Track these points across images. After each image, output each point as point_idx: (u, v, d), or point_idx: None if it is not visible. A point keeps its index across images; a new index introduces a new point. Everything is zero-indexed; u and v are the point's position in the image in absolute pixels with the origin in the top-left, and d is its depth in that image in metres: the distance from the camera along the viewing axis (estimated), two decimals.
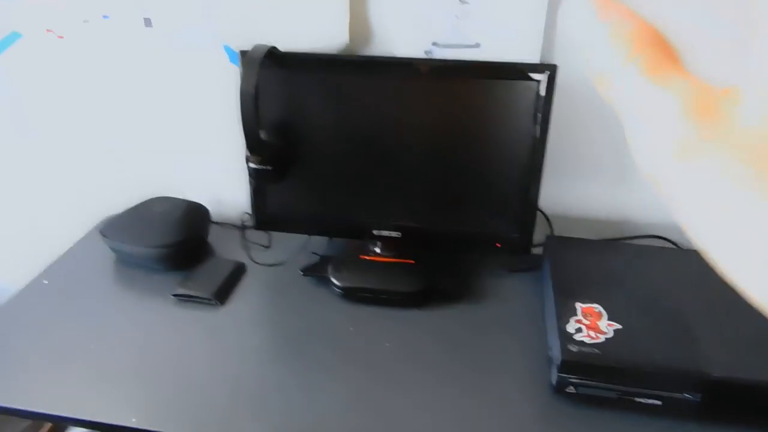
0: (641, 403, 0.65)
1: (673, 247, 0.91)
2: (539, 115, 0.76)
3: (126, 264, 0.92)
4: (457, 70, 0.78)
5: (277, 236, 0.99)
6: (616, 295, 0.73)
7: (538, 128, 0.76)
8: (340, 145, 0.82)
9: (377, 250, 0.91)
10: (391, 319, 0.79)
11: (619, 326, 0.68)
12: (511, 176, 0.81)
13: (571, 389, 0.65)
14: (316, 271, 0.87)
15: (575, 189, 0.94)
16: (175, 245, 0.89)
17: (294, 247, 0.94)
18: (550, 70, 0.74)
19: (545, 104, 0.75)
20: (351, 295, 0.83)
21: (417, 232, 0.86)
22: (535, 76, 0.74)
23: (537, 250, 0.88)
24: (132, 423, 0.64)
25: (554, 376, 0.66)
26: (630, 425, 0.65)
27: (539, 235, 0.86)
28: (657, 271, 0.79)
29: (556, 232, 0.95)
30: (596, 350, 0.64)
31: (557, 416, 0.66)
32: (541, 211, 0.94)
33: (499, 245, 0.86)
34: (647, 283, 0.76)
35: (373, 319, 0.80)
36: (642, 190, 0.92)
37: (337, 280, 0.83)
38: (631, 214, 0.95)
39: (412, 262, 0.87)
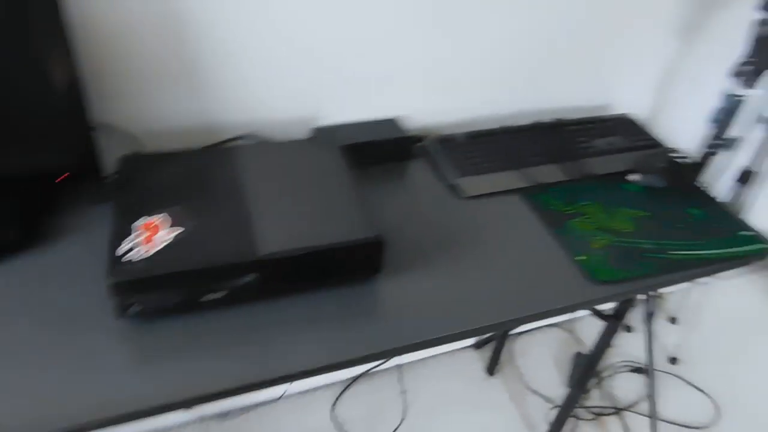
0: (209, 299, 0.67)
1: (259, 141, 0.95)
2: (46, 27, 0.66)
3: None
4: None
5: None
6: (186, 201, 0.72)
7: (49, 42, 0.67)
8: None
9: None
10: None
11: (180, 230, 0.67)
12: (44, 100, 0.71)
13: (135, 309, 0.64)
14: None
15: (158, 101, 0.89)
16: None
17: None
18: None
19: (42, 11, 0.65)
20: None
21: None
22: None
23: None
24: None
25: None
26: (204, 323, 0.67)
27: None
28: (236, 169, 0.79)
29: (150, 150, 0.90)
30: (145, 264, 0.62)
31: (133, 341, 0.65)
32: (125, 132, 0.88)
33: (67, 175, 0.77)
34: (222, 183, 0.77)
35: None
36: (227, 90, 0.92)
37: None
38: (221, 118, 0.95)
39: None
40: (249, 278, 0.67)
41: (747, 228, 0.93)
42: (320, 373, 0.66)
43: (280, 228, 0.70)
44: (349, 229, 0.70)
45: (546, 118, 1.11)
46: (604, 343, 1.11)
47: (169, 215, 0.69)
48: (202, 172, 0.78)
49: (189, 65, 0.87)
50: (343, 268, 0.72)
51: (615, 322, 1.06)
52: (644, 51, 1.17)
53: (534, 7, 1.02)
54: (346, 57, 0.95)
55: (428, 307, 0.74)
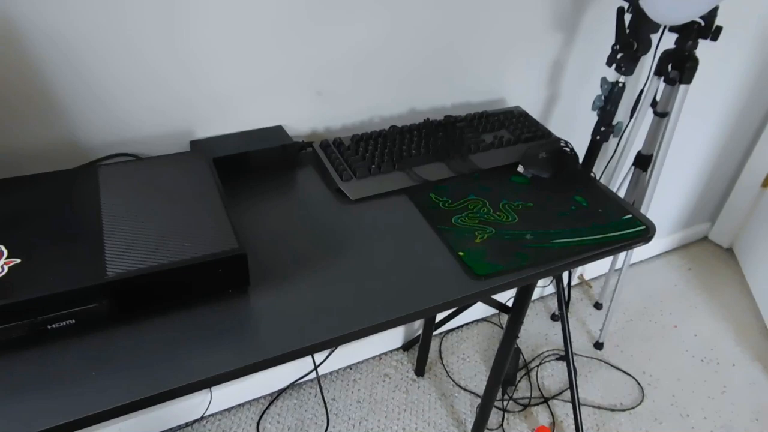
0: (57, 328, 0.63)
1: (132, 159, 0.91)
2: None
3: None
4: None
5: None
6: (31, 228, 0.68)
7: None
8: None
9: None
10: None
11: (17, 261, 0.63)
12: None
13: None
14: None
15: (10, 126, 0.85)
16: None
17: None
18: None
19: None
20: None
21: None
22: None
23: None
24: None
25: None
26: (55, 353, 0.63)
27: None
28: (94, 191, 0.76)
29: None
30: None
31: None
32: None
33: None
34: (77, 206, 0.73)
35: None
36: (93, 108, 0.88)
37: None
38: (91, 138, 0.91)
39: None
40: (98, 303, 0.63)
41: (629, 211, 0.95)
42: (183, 393, 0.63)
43: (133, 249, 0.67)
44: (207, 245, 0.68)
45: (438, 115, 1.11)
46: (511, 334, 1.12)
47: (8, 245, 0.65)
48: (56, 196, 0.75)
49: (43, 85, 0.83)
50: (206, 284, 0.69)
51: (516, 313, 1.07)
52: (530, 44, 1.19)
53: (412, 7, 1.02)
54: (221, 65, 0.93)
55: (308, 313, 0.72)
